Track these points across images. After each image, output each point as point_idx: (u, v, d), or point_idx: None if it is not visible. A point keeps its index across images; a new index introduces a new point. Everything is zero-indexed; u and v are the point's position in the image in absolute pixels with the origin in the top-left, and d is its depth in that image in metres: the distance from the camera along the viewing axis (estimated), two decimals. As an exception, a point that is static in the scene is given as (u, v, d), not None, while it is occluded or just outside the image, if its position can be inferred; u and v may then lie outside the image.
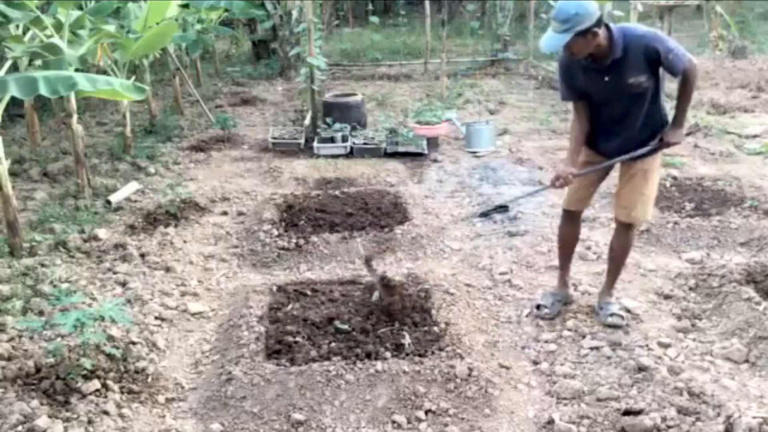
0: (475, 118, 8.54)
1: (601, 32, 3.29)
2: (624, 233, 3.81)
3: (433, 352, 3.48)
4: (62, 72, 4.62)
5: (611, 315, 3.83)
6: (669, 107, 3.67)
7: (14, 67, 6.01)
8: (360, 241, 4.07)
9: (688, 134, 3.79)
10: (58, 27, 5.54)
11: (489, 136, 7.47)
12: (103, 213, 5.67)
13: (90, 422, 3.02)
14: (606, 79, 3.42)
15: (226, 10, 10.08)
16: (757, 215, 5.16)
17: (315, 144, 7.43)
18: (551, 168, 6.58)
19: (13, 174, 5.92)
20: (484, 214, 5.59)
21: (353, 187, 6.20)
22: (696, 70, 3.41)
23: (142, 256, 4.81)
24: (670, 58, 3.30)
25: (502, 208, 5.65)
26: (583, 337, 3.74)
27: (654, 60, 3.33)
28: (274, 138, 7.80)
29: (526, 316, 4.01)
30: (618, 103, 3.51)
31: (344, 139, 7.41)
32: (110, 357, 3.42)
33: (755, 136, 7.59)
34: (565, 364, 3.52)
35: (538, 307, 3.99)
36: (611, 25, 3.37)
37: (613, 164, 3.73)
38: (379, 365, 3.30)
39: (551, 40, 3.27)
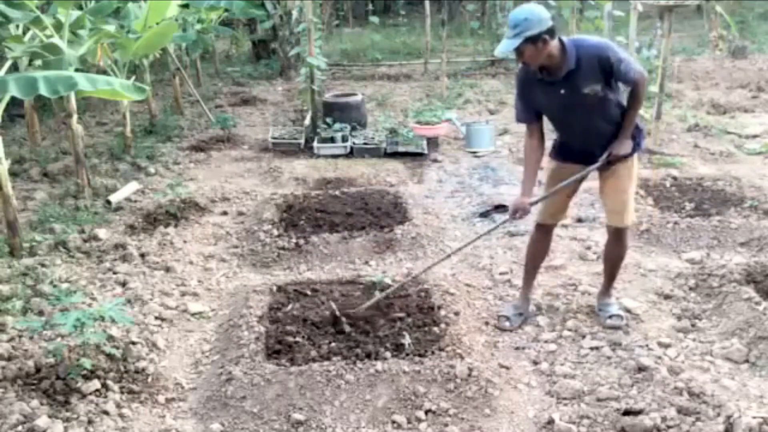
0: (475, 118, 8.55)
1: (554, 43, 3.32)
2: (618, 237, 3.81)
3: (433, 352, 3.48)
4: (62, 72, 4.62)
5: (610, 317, 3.84)
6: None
7: (14, 67, 6.01)
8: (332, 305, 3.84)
9: (629, 155, 3.62)
10: (58, 27, 5.53)
11: (489, 136, 7.47)
12: (103, 213, 5.67)
13: (90, 422, 3.03)
14: (562, 92, 3.43)
15: (226, 10, 10.08)
16: (757, 215, 5.16)
17: (315, 144, 7.43)
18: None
19: (13, 174, 5.91)
20: (484, 215, 5.60)
21: (353, 187, 6.20)
22: (646, 83, 3.52)
23: (142, 256, 4.81)
24: (622, 68, 3.35)
25: (502, 208, 5.66)
26: (583, 337, 3.74)
27: (607, 69, 3.35)
28: (274, 138, 7.80)
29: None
30: (580, 114, 3.51)
31: (344, 139, 7.40)
32: (110, 357, 3.42)
33: (755, 136, 7.58)
34: (565, 364, 3.52)
35: (499, 318, 3.96)
36: (563, 38, 3.40)
37: (573, 181, 3.71)
38: (379, 365, 3.31)
39: (503, 44, 3.32)
